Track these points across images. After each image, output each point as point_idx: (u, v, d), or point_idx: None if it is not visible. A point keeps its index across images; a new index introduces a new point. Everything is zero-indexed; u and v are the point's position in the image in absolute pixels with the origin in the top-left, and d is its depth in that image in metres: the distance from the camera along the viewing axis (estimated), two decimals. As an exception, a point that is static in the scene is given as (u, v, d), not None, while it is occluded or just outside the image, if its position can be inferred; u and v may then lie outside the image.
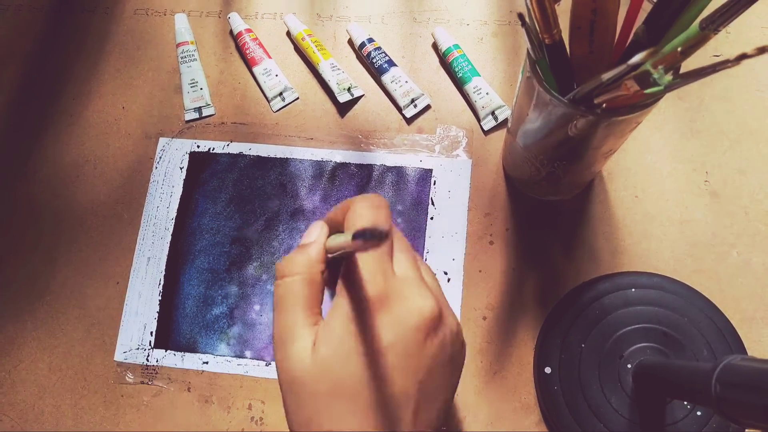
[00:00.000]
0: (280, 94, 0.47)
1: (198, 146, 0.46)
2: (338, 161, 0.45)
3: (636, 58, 0.22)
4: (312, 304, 0.24)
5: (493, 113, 0.44)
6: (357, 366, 0.22)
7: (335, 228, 0.27)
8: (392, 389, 0.22)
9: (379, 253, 0.23)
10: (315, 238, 0.26)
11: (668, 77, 0.22)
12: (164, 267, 0.43)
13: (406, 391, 0.22)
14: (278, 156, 0.45)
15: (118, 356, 0.41)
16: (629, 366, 0.35)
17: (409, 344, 0.22)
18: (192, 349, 0.41)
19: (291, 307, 0.24)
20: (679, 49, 0.23)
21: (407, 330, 0.22)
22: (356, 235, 0.19)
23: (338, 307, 0.23)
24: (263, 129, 0.46)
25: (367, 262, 0.23)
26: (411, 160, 0.44)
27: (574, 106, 0.27)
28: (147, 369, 0.41)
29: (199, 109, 0.47)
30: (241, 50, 0.49)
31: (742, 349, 0.36)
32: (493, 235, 0.42)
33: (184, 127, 0.47)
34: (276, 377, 0.40)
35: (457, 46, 0.45)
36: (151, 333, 0.42)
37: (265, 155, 0.45)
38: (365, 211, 0.24)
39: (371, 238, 0.19)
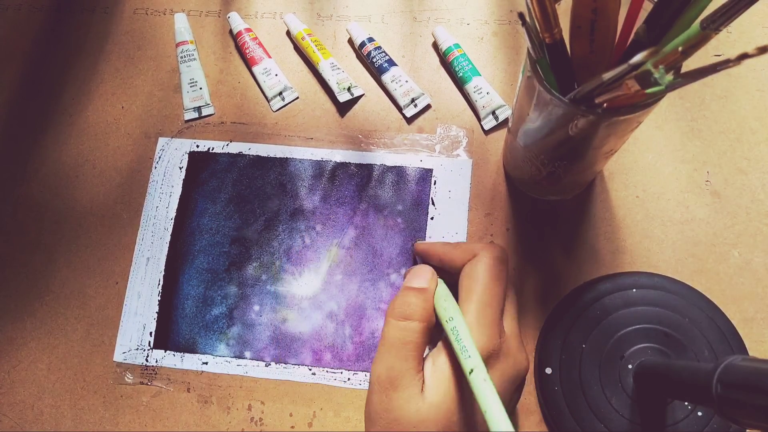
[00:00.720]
0: (280, 93, 0.47)
1: (197, 146, 0.46)
2: (338, 161, 0.45)
3: (637, 58, 0.21)
4: (423, 352, 0.27)
5: (493, 113, 0.44)
6: (463, 413, 0.25)
7: (435, 261, 0.29)
8: None
9: (498, 310, 0.26)
10: (427, 284, 0.28)
11: (669, 77, 0.22)
12: (163, 267, 0.43)
13: None
14: (278, 156, 0.45)
15: (118, 357, 0.41)
16: (630, 366, 0.35)
17: (505, 393, 0.26)
18: (191, 349, 0.41)
19: (408, 353, 0.26)
20: (680, 48, 0.23)
21: (507, 383, 0.25)
22: None
23: (443, 363, 0.25)
24: (263, 129, 0.46)
25: (486, 318, 0.25)
26: (411, 160, 0.44)
27: (575, 106, 0.27)
28: (146, 369, 0.41)
29: (198, 109, 0.47)
30: (240, 50, 0.49)
31: (743, 350, 0.36)
32: (494, 235, 0.42)
33: (183, 126, 0.47)
34: (276, 378, 0.40)
35: (457, 46, 0.45)
36: (151, 333, 0.42)
37: (265, 155, 0.45)
38: (490, 263, 0.27)
39: None
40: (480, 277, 0.26)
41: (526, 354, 0.27)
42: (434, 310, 0.28)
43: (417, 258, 0.32)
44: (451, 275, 0.30)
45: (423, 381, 0.26)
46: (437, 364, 0.26)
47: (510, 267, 0.41)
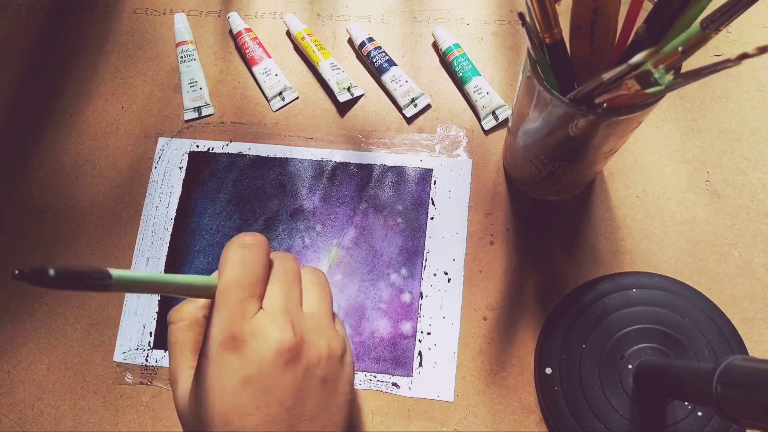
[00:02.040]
0: (280, 93, 0.47)
1: (197, 146, 0.46)
2: (338, 161, 0.45)
3: (637, 58, 0.21)
4: (196, 347, 0.26)
5: (493, 113, 0.44)
6: (217, 403, 0.24)
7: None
8: (253, 420, 0.24)
9: (239, 294, 0.25)
10: None
11: (669, 77, 0.22)
12: (163, 267, 0.43)
13: (273, 419, 0.24)
14: (278, 156, 0.45)
15: (118, 357, 0.41)
16: (630, 366, 0.35)
17: (267, 377, 0.24)
18: (191, 349, 0.41)
19: (178, 352, 0.26)
20: (680, 48, 0.23)
21: (263, 364, 0.24)
22: (16, 276, 0.17)
23: (202, 352, 0.25)
24: (263, 129, 0.46)
25: (226, 302, 0.24)
26: (411, 160, 0.44)
27: (575, 106, 0.27)
28: (146, 369, 0.41)
29: (198, 109, 0.47)
30: (240, 50, 0.49)
31: (743, 350, 0.36)
32: (494, 235, 0.42)
33: (183, 126, 0.47)
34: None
35: (457, 46, 0.45)
36: (151, 333, 0.42)
37: (265, 155, 0.45)
38: (231, 253, 0.26)
39: (29, 280, 0.16)
40: (220, 269, 0.26)
41: (293, 329, 0.25)
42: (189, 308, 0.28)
43: None
44: None
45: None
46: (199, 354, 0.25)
47: (510, 267, 0.41)
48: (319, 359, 0.26)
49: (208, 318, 0.25)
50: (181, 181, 0.45)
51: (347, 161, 0.45)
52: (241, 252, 0.26)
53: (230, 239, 0.27)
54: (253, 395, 0.24)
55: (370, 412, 0.38)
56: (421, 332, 0.40)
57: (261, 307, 0.25)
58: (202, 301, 0.27)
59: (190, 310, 0.27)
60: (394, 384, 0.39)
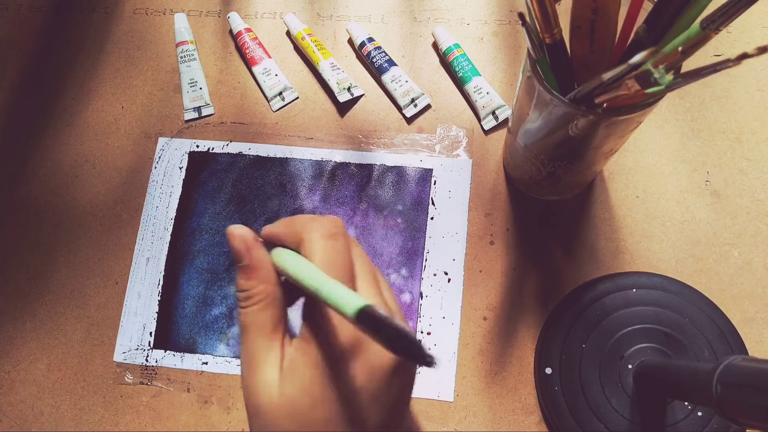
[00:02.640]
0: (280, 93, 0.47)
1: (197, 146, 0.46)
2: (338, 161, 0.45)
3: (637, 58, 0.21)
4: (274, 327, 0.24)
5: (493, 113, 0.44)
6: (325, 412, 0.22)
7: (271, 237, 0.25)
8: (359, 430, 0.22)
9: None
10: (249, 261, 0.24)
11: (669, 77, 0.22)
12: (163, 267, 0.43)
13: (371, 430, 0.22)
14: (278, 156, 0.45)
15: (118, 357, 0.41)
16: (630, 366, 0.35)
17: (378, 387, 0.22)
18: (191, 349, 0.41)
19: (255, 335, 0.23)
20: (679, 48, 0.23)
21: (376, 375, 0.22)
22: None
23: (306, 353, 0.22)
24: (263, 129, 0.46)
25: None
26: (411, 160, 0.44)
27: (575, 106, 0.27)
28: (146, 369, 0.41)
29: (198, 109, 0.47)
30: (240, 50, 0.49)
31: (743, 350, 0.36)
32: (494, 235, 0.42)
33: (183, 126, 0.47)
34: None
35: (457, 46, 0.45)
36: (151, 333, 0.42)
37: (265, 155, 0.45)
38: (320, 246, 0.23)
39: (406, 354, 0.17)
40: (316, 263, 0.22)
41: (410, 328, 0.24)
42: (278, 277, 0.24)
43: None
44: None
45: (282, 360, 0.23)
46: (298, 351, 0.22)
47: (510, 267, 0.41)
48: (414, 366, 0.24)
49: (309, 318, 0.23)
50: (181, 181, 0.45)
51: (347, 161, 0.45)
52: (332, 244, 0.23)
53: (307, 229, 0.23)
54: (361, 406, 0.22)
55: (370, 412, 0.38)
56: (421, 332, 0.40)
57: None
58: (273, 276, 0.24)
59: (254, 288, 0.24)
60: (394, 384, 0.39)
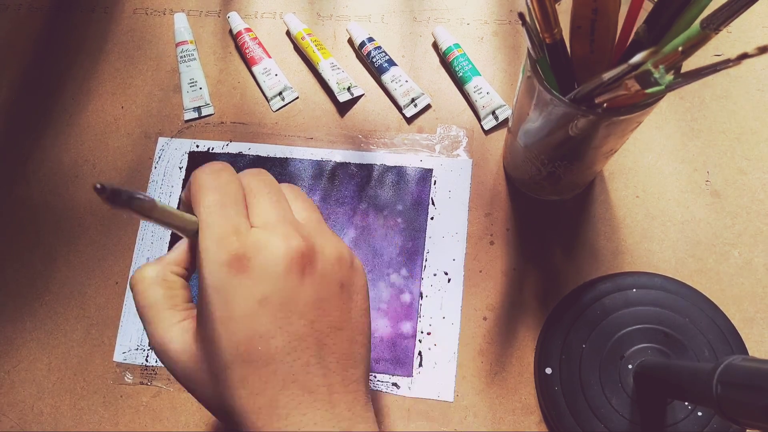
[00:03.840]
0: (280, 93, 0.47)
1: (197, 146, 0.46)
2: (338, 161, 0.45)
3: (637, 58, 0.21)
4: (174, 302, 0.24)
5: (493, 113, 0.44)
6: (234, 335, 0.21)
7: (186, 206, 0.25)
8: (278, 342, 0.21)
9: (225, 213, 0.22)
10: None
11: (669, 77, 0.22)
12: (164, 267, 0.43)
13: (298, 336, 0.21)
14: (278, 156, 0.45)
15: (118, 357, 0.41)
16: (630, 366, 0.35)
17: (284, 291, 0.21)
18: (191, 349, 0.41)
19: (154, 313, 0.23)
20: (680, 48, 0.23)
21: (276, 278, 0.21)
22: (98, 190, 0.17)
23: (201, 289, 0.22)
24: (263, 128, 0.46)
25: (213, 225, 0.22)
26: (411, 160, 0.44)
27: (575, 106, 0.27)
28: (146, 369, 0.41)
29: (198, 109, 0.47)
30: (240, 49, 0.49)
31: (743, 350, 0.36)
32: (494, 235, 0.42)
33: (183, 126, 0.47)
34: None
35: (457, 46, 0.45)
36: (151, 333, 0.42)
37: (265, 155, 0.45)
38: (202, 179, 0.23)
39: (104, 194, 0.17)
40: (194, 193, 0.23)
41: (299, 235, 0.22)
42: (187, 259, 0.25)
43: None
44: None
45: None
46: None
47: (510, 267, 0.41)
48: (332, 263, 0.23)
49: (195, 253, 0.23)
50: (181, 181, 0.45)
51: (347, 161, 0.45)
52: (213, 175, 0.23)
53: (195, 170, 0.24)
54: (272, 314, 0.21)
55: (370, 412, 0.38)
56: (421, 332, 0.40)
57: (252, 225, 0.23)
58: (168, 259, 0.25)
59: (152, 268, 0.24)
60: (394, 384, 0.39)
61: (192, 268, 0.25)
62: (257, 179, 0.25)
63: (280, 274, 0.21)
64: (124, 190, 0.18)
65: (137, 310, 0.24)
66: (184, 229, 0.23)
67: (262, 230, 0.22)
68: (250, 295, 0.21)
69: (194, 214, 0.23)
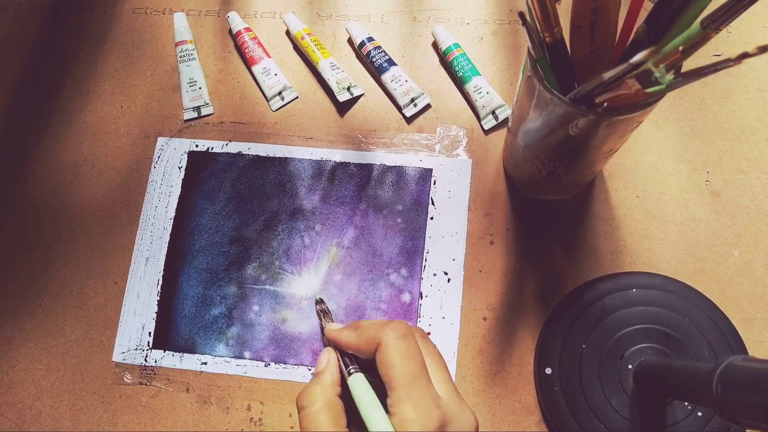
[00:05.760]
0: (279, 93, 0.47)
1: (197, 146, 0.46)
2: (338, 161, 0.45)
3: (637, 57, 0.21)
4: (339, 427, 0.27)
5: (493, 112, 0.44)
6: None
7: (349, 350, 0.29)
8: None
9: (425, 384, 0.26)
10: (325, 366, 0.29)
11: (669, 76, 0.22)
12: (163, 267, 0.43)
13: None
14: (277, 155, 0.45)
15: (117, 357, 0.41)
16: (630, 366, 0.35)
17: None
18: (190, 349, 0.41)
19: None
20: (680, 48, 0.23)
21: None
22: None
23: None
24: (262, 128, 0.46)
25: (416, 396, 0.25)
26: (411, 160, 0.44)
27: (575, 106, 0.27)
28: (145, 369, 0.41)
29: (197, 109, 0.47)
30: (240, 49, 0.49)
31: (743, 350, 0.36)
32: (494, 235, 0.42)
33: (182, 126, 0.47)
34: (275, 378, 0.40)
35: (457, 45, 0.45)
36: (150, 333, 0.42)
37: (264, 155, 0.45)
38: (397, 346, 0.27)
39: None
40: (393, 363, 0.26)
41: (470, 410, 0.27)
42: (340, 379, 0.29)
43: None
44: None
45: None
46: None
47: (510, 267, 0.41)
48: None
49: (395, 413, 0.26)
50: (181, 181, 0.45)
51: (347, 161, 0.45)
52: (406, 344, 0.27)
53: (383, 332, 0.27)
54: None
55: (369, 413, 0.38)
56: (421, 332, 0.40)
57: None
58: (329, 381, 0.29)
59: (319, 391, 0.28)
60: (394, 384, 0.39)
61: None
62: (426, 344, 0.29)
63: None
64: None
65: (302, 428, 0.27)
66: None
67: (450, 404, 0.26)
68: None
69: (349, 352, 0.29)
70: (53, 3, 0.53)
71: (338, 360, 0.30)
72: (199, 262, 0.43)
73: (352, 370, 0.28)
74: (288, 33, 0.49)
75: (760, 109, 0.43)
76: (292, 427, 0.39)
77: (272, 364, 0.40)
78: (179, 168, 0.46)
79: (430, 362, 0.28)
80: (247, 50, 0.48)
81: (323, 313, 0.39)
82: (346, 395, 0.28)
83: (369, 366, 0.28)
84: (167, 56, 0.50)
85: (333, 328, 0.32)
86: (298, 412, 0.28)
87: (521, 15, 0.25)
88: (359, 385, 0.27)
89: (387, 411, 0.26)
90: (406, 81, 0.45)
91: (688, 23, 0.26)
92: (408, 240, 0.42)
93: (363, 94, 0.47)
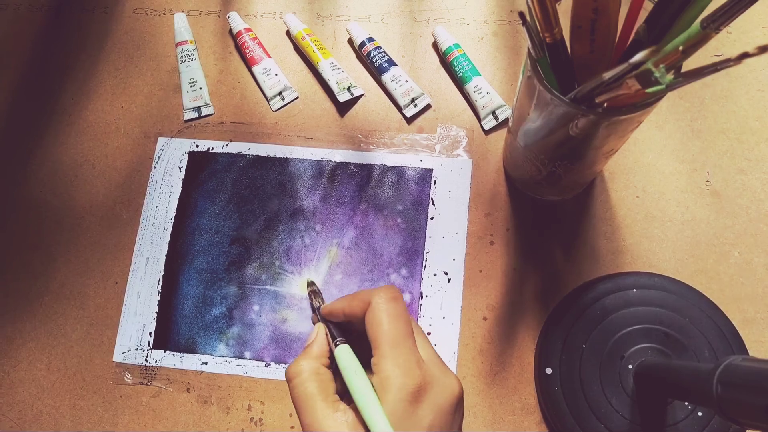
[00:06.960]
0: (280, 93, 0.47)
1: (197, 146, 0.46)
2: (338, 161, 0.45)
3: (637, 57, 0.21)
4: (326, 394, 0.27)
5: (493, 113, 0.44)
6: None
7: (341, 317, 0.30)
8: None
9: (410, 345, 0.26)
10: (313, 339, 0.30)
11: (670, 76, 0.22)
12: (163, 267, 0.43)
13: None
14: (278, 156, 0.45)
15: (117, 357, 0.41)
16: (630, 366, 0.35)
17: (444, 423, 0.25)
18: (191, 349, 0.41)
19: (311, 404, 0.27)
20: (680, 48, 0.23)
21: (444, 412, 0.25)
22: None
23: (382, 395, 0.25)
24: (262, 128, 0.46)
25: (399, 355, 0.26)
26: (411, 160, 0.44)
27: (576, 106, 0.27)
28: (146, 369, 0.41)
29: (198, 109, 0.47)
30: (240, 49, 0.49)
31: (743, 350, 0.36)
32: (494, 235, 0.42)
33: (183, 126, 0.47)
34: (275, 378, 0.40)
35: (457, 46, 0.45)
36: (150, 333, 0.42)
37: (265, 155, 0.45)
38: (386, 307, 0.27)
39: None
40: (380, 321, 0.27)
41: (454, 375, 0.27)
42: (328, 359, 0.29)
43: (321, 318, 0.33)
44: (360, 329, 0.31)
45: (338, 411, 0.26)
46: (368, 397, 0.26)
47: (510, 267, 0.41)
48: (462, 401, 0.28)
49: (377, 371, 0.26)
50: (181, 181, 0.45)
51: (347, 161, 0.45)
52: (394, 305, 0.27)
53: (374, 293, 0.28)
54: None
55: (370, 412, 0.38)
56: (421, 332, 0.40)
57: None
58: (316, 352, 0.29)
59: (306, 362, 0.28)
60: (394, 384, 0.39)
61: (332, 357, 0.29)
62: (413, 323, 0.29)
63: (447, 409, 0.25)
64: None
65: (293, 400, 0.27)
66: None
67: (433, 365, 0.26)
68: (423, 422, 0.25)
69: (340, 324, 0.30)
70: (53, 3, 0.53)
71: (327, 334, 0.30)
72: (199, 262, 0.43)
73: (338, 342, 0.29)
74: (288, 33, 0.49)
75: (760, 109, 0.43)
76: (292, 427, 0.39)
77: (273, 364, 0.40)
78: (180, 168, 0.46)
79: (417, 332, 0.28)
80: (247, 50, 0.48)
81: (314, 294, 0.39)
82: (335, 368, 0.28)
83: (358, 343, 0.29)
84: (168, 56, 0.50)
85: (328, 304, 0.33)
86: (288, 385, 0.28)
87: (521, 15, 0.25)
88: (344, 355, 0.27)
89: (371, 372, 0.26)
90: (407, 81, 0.45)
91: (688, 23, 0.26)
92: (408, 240, 0.42)
93: (363, 95, 0.47)
